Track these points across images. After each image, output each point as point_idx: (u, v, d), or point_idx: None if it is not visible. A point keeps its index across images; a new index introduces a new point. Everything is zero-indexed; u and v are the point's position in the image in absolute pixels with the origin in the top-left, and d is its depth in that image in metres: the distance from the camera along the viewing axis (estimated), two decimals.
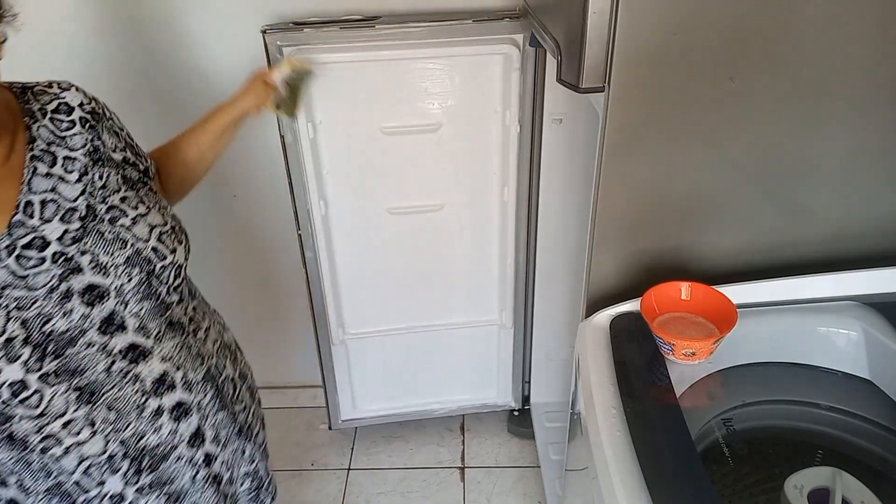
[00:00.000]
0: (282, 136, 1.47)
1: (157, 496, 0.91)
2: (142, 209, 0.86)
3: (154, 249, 0.85)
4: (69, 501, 0.86)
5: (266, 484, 1.13)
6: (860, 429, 0.92)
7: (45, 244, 0.78)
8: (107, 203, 0.83)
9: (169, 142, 1.08)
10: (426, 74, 1.44)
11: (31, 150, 0.81)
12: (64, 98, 0.86)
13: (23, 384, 0.78)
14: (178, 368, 0.90)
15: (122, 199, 0.85)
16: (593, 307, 1.09)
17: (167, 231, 0.87)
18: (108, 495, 0.87)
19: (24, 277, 0.76)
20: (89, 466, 0.85)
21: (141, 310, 0.84)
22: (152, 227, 0.86)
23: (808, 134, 1.02)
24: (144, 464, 0.89)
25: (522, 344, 1.84)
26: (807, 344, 1.01)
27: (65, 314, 0.78)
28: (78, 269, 0.79)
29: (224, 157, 1.14)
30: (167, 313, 0.88)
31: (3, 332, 0.75)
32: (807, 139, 1.02)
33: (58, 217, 0.79)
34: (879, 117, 1.01)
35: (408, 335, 1.78)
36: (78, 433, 0.83)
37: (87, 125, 0.86)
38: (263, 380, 1.15)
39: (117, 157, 0.88)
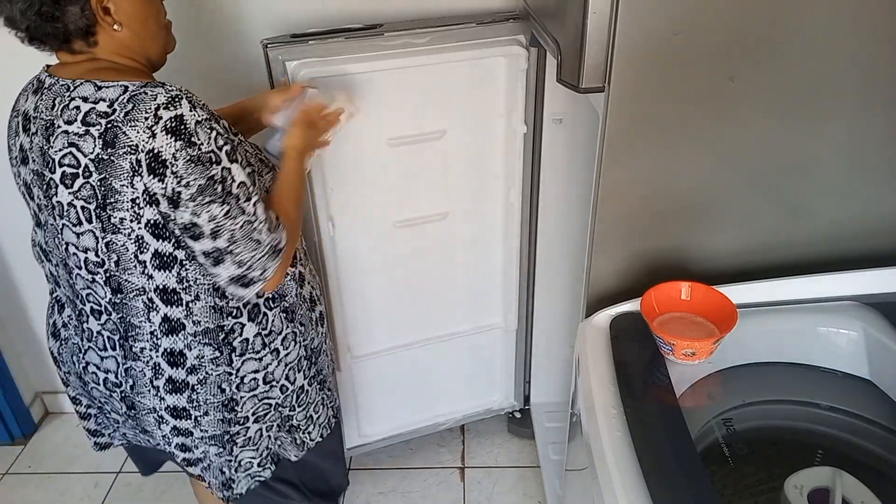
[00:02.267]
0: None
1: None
2: None
3: None
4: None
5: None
6: (860, 429, 0.92)
7: None
8: None
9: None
10: (431, 81, 1.42)
11: None
12: None
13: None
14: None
15: None
16: (593, 307, 1.09)
17: None
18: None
19: None
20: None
21: None
22: None
23: (808, 134, 1.02)
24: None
25: (524, 344, 1.84)
26: (807, 344, 1.01)
27: None
28: None
29: None
30: None
31: None
32: (807, 139, 1.02)
33: None
34: (879, 117, 1.01)
35: (412, 349, 1.75)
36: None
37: None
38: None
39: None
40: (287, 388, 1.15)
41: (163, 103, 0.89)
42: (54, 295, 1.12)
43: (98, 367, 1.08)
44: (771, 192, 1.06)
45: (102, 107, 0.89)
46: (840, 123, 1.01)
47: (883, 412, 0.92)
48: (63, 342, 1.12)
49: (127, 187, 0.89)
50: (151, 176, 0.89)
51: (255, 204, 0.96)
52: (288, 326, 1.12)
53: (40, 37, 0.93)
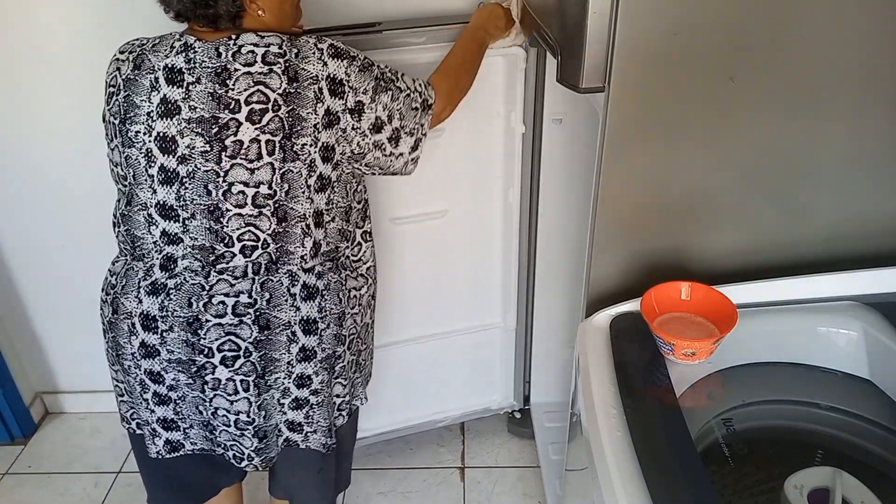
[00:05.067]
0: None
1: None
2: None
3: None
4: None
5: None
6: (860, 429, 0.92)
7: None
8: None
9: None
10: None
11: None
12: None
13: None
14: None
15: None
16: (593, 307, 1.09)
17: None
18: None
19: None
20: None
21: None
22: None
23: (808, 134, 1.02)
24: None
25: (524, 344, 1.84)
26: (807, 344, 1.01)
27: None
28: None
29: None
30: None
31: None
32: (807, 139, 1.02)
33: None
34: (879, 117, 1.01)
35: (410, 346, 1.75)
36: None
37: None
38: None
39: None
40: (365, 316, 1.28)
41: (315, 42, 1.04)
42: (163, 253, 1.09)
43: (229, 293, 1.09)
44: (771, 192, 1.06)
45: (274, 49, 1.02)
46: (840, 123, 1.01)
47: (883, 412, 0.92)
48: (168, 294, 1.09)
49: (311, 114, 1.02)
50: (333, 97, 1.03)
51: (402, 78, 1.14)
52: (372, 259, 1.29)
53: (189, 16, 1.03)
